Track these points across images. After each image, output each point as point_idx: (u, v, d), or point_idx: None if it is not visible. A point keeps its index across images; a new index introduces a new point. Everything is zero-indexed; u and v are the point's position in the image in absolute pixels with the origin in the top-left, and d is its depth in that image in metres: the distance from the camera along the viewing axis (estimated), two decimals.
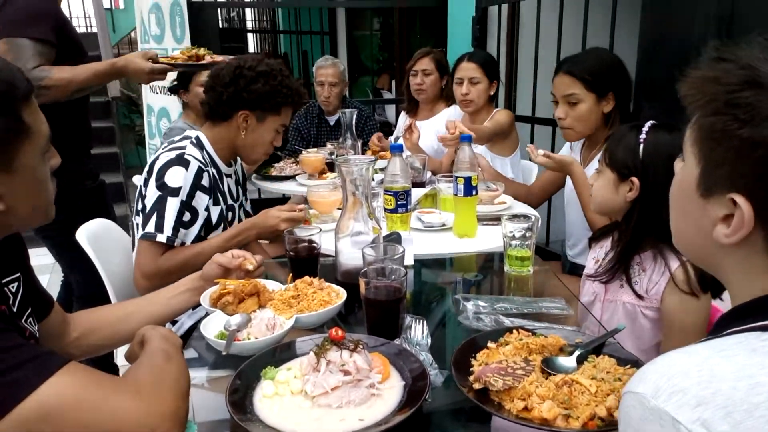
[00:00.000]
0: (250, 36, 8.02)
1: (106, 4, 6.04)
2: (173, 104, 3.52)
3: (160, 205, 1.51)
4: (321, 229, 1.38)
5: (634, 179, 1.24)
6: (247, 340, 1.02)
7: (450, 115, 2.86)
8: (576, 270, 1.86)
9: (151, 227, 1.50)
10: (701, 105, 0.54)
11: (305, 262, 1.34)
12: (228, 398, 0.82)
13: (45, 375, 0.68)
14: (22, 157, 0.76)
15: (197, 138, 1.65)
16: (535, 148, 1.86)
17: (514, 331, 1.01)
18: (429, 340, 1.05)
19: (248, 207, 1.89)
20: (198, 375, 1.02)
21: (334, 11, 7.44)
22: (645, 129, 1.25)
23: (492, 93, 2.52)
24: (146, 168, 1.60)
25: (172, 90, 2.82)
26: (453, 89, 2.56)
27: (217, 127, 1.67)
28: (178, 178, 1.52)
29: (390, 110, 5.86)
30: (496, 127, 2.37)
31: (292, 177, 2.54)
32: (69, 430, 0.68)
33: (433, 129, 2.84)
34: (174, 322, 1.62)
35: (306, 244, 1.36)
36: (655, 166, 1.22)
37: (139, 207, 1.58)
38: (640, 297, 1.25)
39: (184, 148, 1.58)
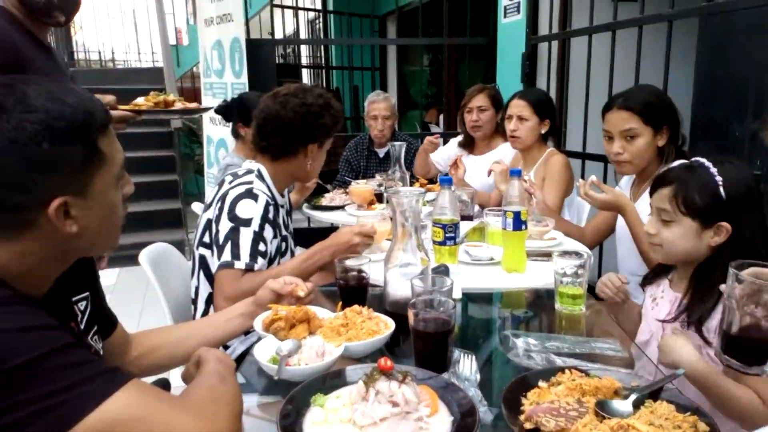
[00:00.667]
0: (304, 71, 8.33)
1: (172, 41, 6.44)
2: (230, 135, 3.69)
3: (233, 235, 1.54)
4: (370, 259, 1.41)
5: (724, 224, 1.19)
6: (297, 366, 1.04)
7: (507, 149, 2.86)
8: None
9: (227, 256, 1.53)
10: None
11: (354, 291, 1.37)
12: (279, 422, 0.84)
13: (112, 389, 0.72)
14: (98, 183, 0.80)
15: (259, 171, 1.70)
16: (585, 183, 1.84)
17: (567, 371, 0.99)
18: (478, 376, 1.04)
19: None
20: (249, 400, 1.04)
21: (385, 48, 7.65)
22: (712, 169, 1.21)
23: (543, 131, 2.51)
24: (215, 204, 1.63)
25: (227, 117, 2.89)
26: (504, 125, 2.58)
27: (281, 162, 1.70)
28: (249, 210, 1.57)
29: None
30: (560, 191, 2.39)
31: (342, 207, 2.60)
32: None
33: (489, 164, 2.85)
34: (226, 347, 1.66)
35: (355, 273, 1.38)
36: (742, 204, 1.19)
37: (207, 240, 1.63)
38: (706, 340, 1.19)
39: (251, 183, 1.63)
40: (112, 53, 7.87)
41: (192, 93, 5.85)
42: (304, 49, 8.52)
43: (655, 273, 1.41)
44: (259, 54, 3.83)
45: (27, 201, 0.75)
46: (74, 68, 7.06)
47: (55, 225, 0.77)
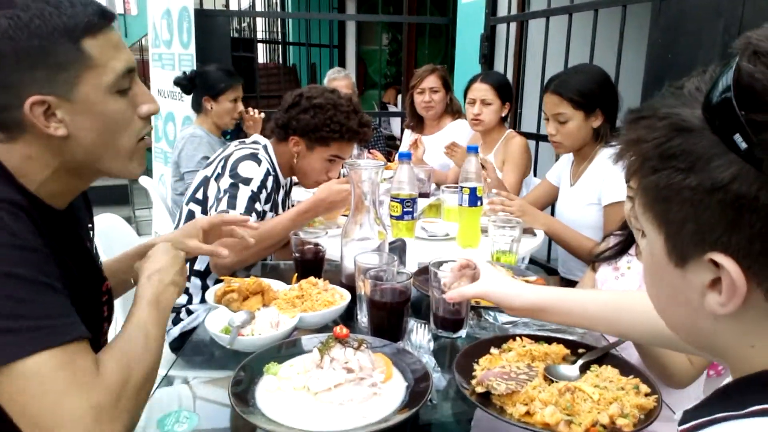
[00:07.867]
0: (260, 46, 8.09)
1: (120, 10, 6.10)
2: (179, 108, 3.55)
3: (232, 189, 1.57)
4: (327, 232, 1.39)
5: None
6: (251, 336, 1.02)
7: (456, 128, 2.89)
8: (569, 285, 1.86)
9: (223, 206, 1.54)
10: (636, 169, 0.48)
11: (311, 264, 1.35)
12: (231, 390, 0.82)
13: (29, 350, 0.67)
14: (83, 88, 0.77)
15: (265, 146, 1.73)
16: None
17: (518, 338, 1.01)
18: (432, 344, 1.06)
19: None
20: (199, 375, 1.02)
21: (344, 25, 7.52)
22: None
23: (504, 114, 2.55)
24: (216, 163, 1.69)
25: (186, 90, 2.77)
26: (465, 108, 2.59)
27: (279, 144, 1.75)
28: (250, 170, 1.60)
29: (395, 123, 5.90)
30: (519, 174, 2.45)
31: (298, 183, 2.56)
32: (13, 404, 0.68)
33: (440, 143, 2.87)
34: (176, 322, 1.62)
35: (312, 246, 1.36)
36: None
37: (199, 197, 1.68)
38: None
39: (257, 150, 1.68)
40: None
41: (140, 66, 5.59)
42: (260, 24, 8.28)
43: (614, 252, 1.42)
44: (212, 25, 3.70)
45: (6, 99, 0.74)
46: None
47: (38, 126, 0.76)
